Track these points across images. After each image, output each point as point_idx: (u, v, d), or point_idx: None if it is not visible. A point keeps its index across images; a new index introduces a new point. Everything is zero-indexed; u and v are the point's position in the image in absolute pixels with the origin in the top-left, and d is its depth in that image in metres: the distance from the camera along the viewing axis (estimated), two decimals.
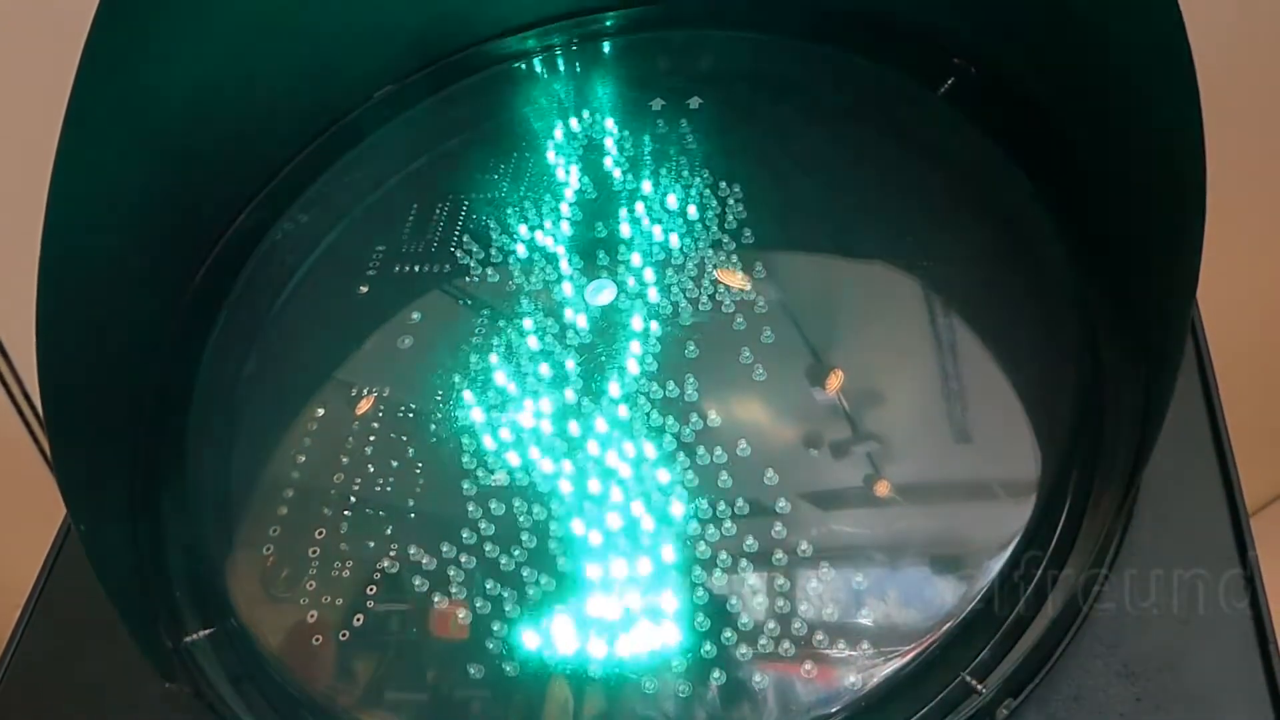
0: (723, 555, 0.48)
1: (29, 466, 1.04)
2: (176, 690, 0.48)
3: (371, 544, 0.53)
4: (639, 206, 0.61)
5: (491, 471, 0.53)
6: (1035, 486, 0.48)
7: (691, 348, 0.55)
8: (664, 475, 0.51)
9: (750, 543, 0.48)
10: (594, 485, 0.52)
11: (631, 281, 0.58)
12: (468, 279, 0.61)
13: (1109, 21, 0.50)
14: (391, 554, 0.52)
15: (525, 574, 0.50)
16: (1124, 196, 0.52)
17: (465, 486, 0.53)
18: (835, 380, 0.53)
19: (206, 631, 0.52)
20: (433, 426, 0.56)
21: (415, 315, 0.60)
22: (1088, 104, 0.55)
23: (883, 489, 0.50)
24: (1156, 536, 0.46)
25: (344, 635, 0.50)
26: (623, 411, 0.54)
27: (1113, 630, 0.43)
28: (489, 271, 0.61)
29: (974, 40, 0.60)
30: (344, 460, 0.56)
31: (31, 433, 1.00)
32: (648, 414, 0.53)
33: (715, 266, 0.58)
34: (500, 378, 0.56)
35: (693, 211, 0.60)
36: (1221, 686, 0.42)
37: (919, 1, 0.61)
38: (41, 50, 0.64)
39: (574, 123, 0.67)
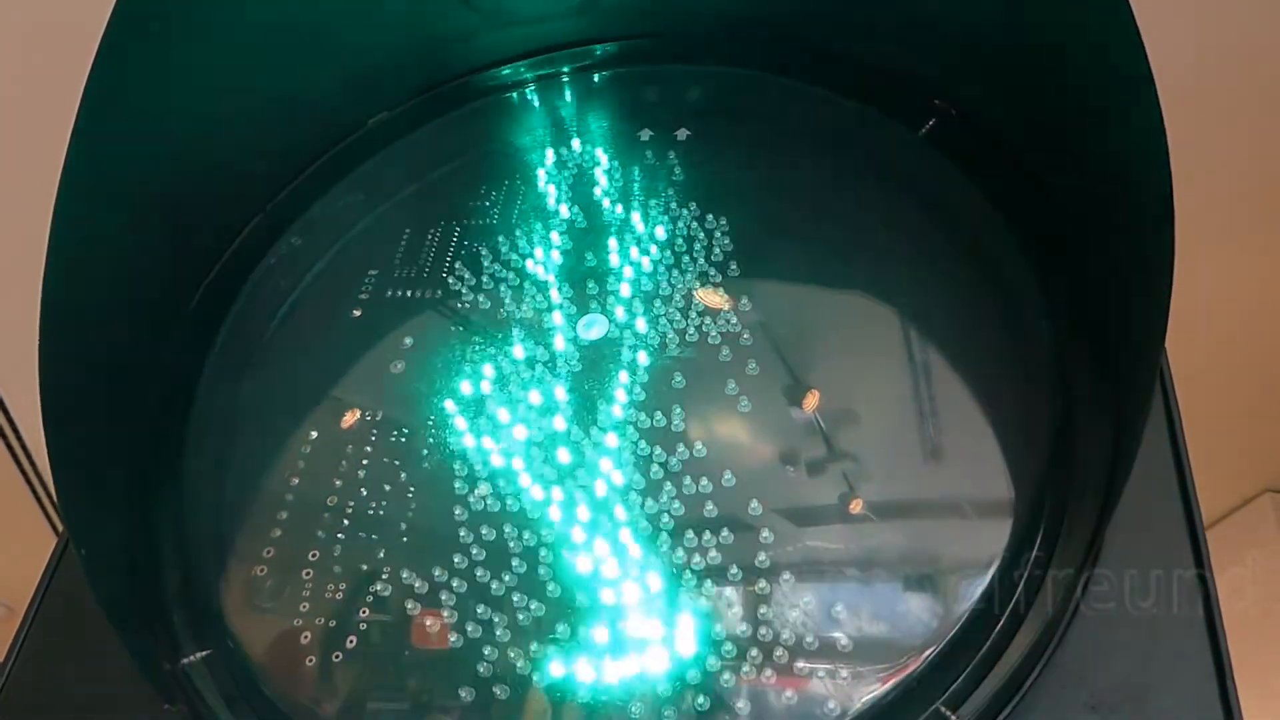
0: (708, 584, 0.50)
1: (14, 491, 1.04)
2: (174, 712, 0.49)
3: (364, 566, 0.54)
4: (628, 237, 0.63)
5: (482, 497, 0.54)
6: (1010, 514, 0.50)
7: (679, 378, 0.57)
8: (651, 504, 0.53)
9: (734, 572, 0.50)
10: (583, 512, 0.53)
11: (620, 312, 0.60)
12: (459, 305, 0.62)
13: (1083, 72, 0.52)
14: (384, 576, 0.53)
15: (515, 599, 0.51)
16: (1097, 236, 0.54)
17: (456, 511, 0.54)
18: (812, 399, 0.55)
19: (203, 653, 0.53)
20: (425, 451, 0.57)
21: (407, 340, 0.61)
22: (1063, 149, 0.57)
23: (856, 507, 0.51)
24: (1124, 569, 0.48)
25: (337, 656, 0.52)
26: (612, 440, 0.55)
27: (1080, 664, 0.45)
28: (480, 298, 0.62)
29: (953, 83, 0.62)
30: (337, 483, 0.57)
31: (14, 456, 0.99)
32: (636, 443, 0.55)
33: (702, 297, 0.59)
34: (491, 404, 0.58)
35: (680, 243, 0.62)
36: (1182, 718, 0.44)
37: (902, 46, 0.63)
38: (45, 78, 0.65)
39: (565, 152, 0.68)
